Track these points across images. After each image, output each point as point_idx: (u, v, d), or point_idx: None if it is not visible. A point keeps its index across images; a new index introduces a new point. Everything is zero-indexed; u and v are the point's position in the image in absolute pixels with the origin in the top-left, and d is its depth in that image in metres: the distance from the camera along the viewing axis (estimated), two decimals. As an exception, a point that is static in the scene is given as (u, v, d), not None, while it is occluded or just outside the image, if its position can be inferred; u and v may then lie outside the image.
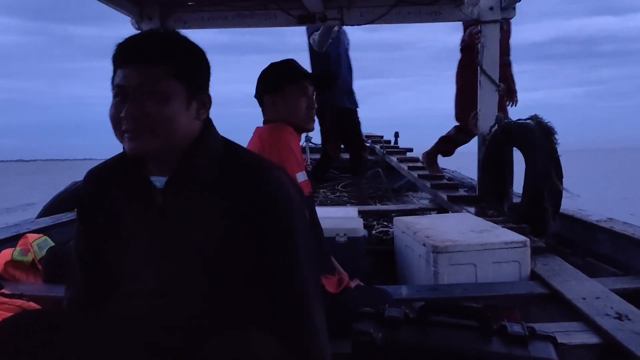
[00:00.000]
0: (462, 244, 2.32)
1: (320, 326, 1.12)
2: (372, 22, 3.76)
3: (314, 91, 1.87)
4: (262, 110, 1.87)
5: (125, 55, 1.04)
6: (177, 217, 1.09)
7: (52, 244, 2.55)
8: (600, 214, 3.06)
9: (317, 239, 1.69)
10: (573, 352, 1.65)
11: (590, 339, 1.71)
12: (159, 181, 1.10)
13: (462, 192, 4.24)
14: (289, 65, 1.85)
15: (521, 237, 2.41)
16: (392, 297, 1.89)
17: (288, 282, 1.09)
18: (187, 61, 1.08)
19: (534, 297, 2.20)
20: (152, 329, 1.08)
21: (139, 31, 4.02)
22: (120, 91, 1.04)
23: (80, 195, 1.20)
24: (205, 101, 1.12)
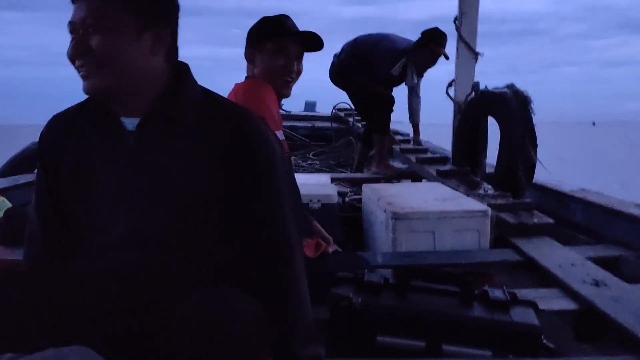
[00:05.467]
0: (421, 211, 2.32)
1: (302, 281, 1.07)
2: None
3: (299, 53, 1.76)
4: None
5: None
6: (151, 160, 1.02)
7: (10, 205, 2.42)
8: (572, 184, 3.07)
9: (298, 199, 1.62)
10: (551, 318, 1.64)
11: (568, 305, 1.71)
12: (130, 123, 1.02)
13: (429, 155, 4.24)
14: (276, 21, 1.73)
15: (482, 207, 2.40)
16: (370, 263, 1.85)
17: (269, 231, 1.04)
18: None
19: (509, 264, 2.20)
20: (123, 284, 1.00)
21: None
22: (71, 28, 0.99)
23: (42, 140, 1.11)
24: (163, 36, 1.03)
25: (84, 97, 1.07)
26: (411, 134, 4.79)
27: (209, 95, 1.09)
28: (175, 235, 1.02)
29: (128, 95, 1.02)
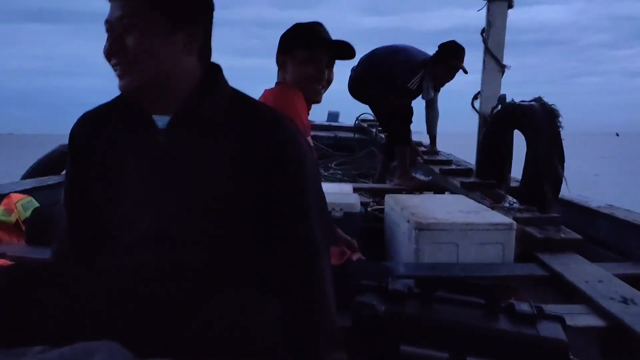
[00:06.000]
0: (445, 222, 2.29)
1: (328, 286, 1.06)
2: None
3: (330, 62, 1.77)
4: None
5: None
6: (182, 158, 1.03)
7: (37, 204, 2.46)
8: (600, 200, 3.02)
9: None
10: (578, 334, 1.60)
11: (595, 321, 1.67)
12: (161, 120, 1.04)
13: (453, 166, 4.22)
14: (308, 29, 1.74)
15: (507, 220, 2.36)
16: (394, 273, 1.83)
17: (296, 235, 1.03)
18: None
19: (535, 279, 2.16)
20: (146, 282, 1.01)
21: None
22: (107, 27, 1.01)
23: (73, 136, 1.12)
24: (195, 35, 1.04)
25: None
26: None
27: (240, 96, 1.10)
28: (201, 235, 1.02)
29: (160, 94, 1.03)
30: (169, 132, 1.03)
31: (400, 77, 4.02)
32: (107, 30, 1.01)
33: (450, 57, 4.01)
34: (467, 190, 3.31)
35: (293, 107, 1.65)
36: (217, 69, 1.09)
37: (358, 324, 1.42)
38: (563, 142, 3.05)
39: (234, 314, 0.90)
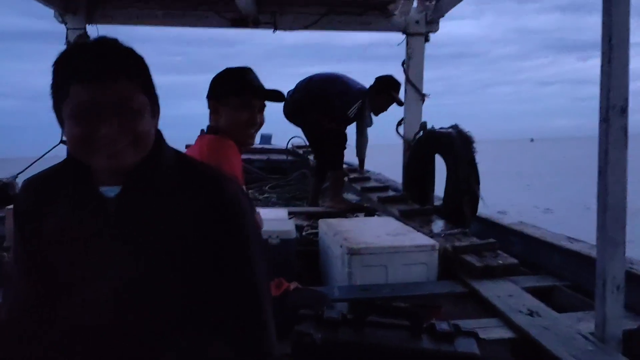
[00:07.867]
0: (374, 246, 2.49)
1: (270, 325, 1.17)
2: (305, 28, 3.86)
3: (262, 106, 1.87)
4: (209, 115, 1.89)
5: (92, 71, 1.02)
6: (133, 225, 1.09)
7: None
8: (512, 218, 3.32)
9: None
10: (491, 346, 1.81)
11: (506, 333, 1.89)
12: (111, 190, 1.09)
13: (390, 193, 4.42)
14: (240, 76, 1.83)
15: (430, 241, 2.58)
16: (329, 299, 1.98)
17: (244, 289, 1.13)
18: (146, 72, 1.09)
19: (455, 295, 2.38)
20: (106, 341, 1.08)
21: (64, 25, 3.91)
22: (91, 109, 1.01)
23: (17, 205, 1.16)
24: (158, 108, 1.13)
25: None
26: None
27: (182, 158, 1.18)
28: (154, 294, 1.09)
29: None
30: (119, 201, 1.09)
31: (339, 106, 4.23)
32: (86, 112, 1.00)
33: (390, 89, 4.26)
34: (406, 218, 3.44)
35: (227, 161, 1.74)
36: (159, 134, 1.15)
37: (297, 351, 1.56)
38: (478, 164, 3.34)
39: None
